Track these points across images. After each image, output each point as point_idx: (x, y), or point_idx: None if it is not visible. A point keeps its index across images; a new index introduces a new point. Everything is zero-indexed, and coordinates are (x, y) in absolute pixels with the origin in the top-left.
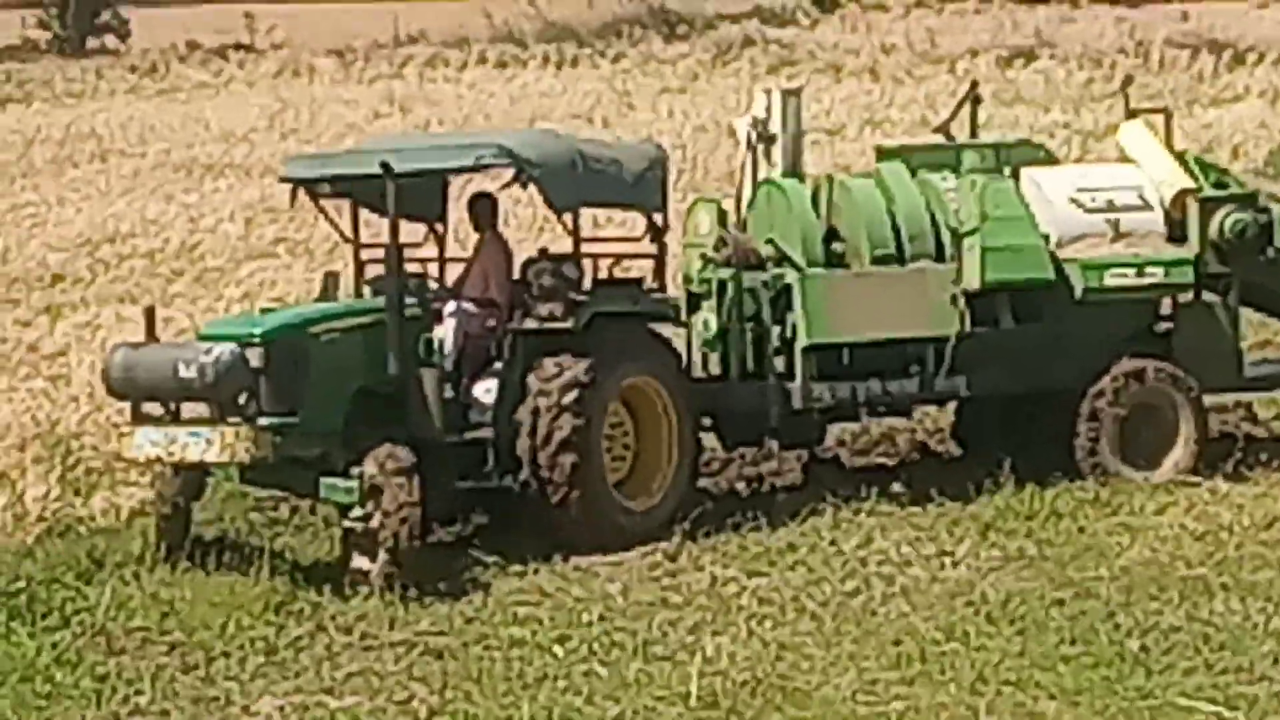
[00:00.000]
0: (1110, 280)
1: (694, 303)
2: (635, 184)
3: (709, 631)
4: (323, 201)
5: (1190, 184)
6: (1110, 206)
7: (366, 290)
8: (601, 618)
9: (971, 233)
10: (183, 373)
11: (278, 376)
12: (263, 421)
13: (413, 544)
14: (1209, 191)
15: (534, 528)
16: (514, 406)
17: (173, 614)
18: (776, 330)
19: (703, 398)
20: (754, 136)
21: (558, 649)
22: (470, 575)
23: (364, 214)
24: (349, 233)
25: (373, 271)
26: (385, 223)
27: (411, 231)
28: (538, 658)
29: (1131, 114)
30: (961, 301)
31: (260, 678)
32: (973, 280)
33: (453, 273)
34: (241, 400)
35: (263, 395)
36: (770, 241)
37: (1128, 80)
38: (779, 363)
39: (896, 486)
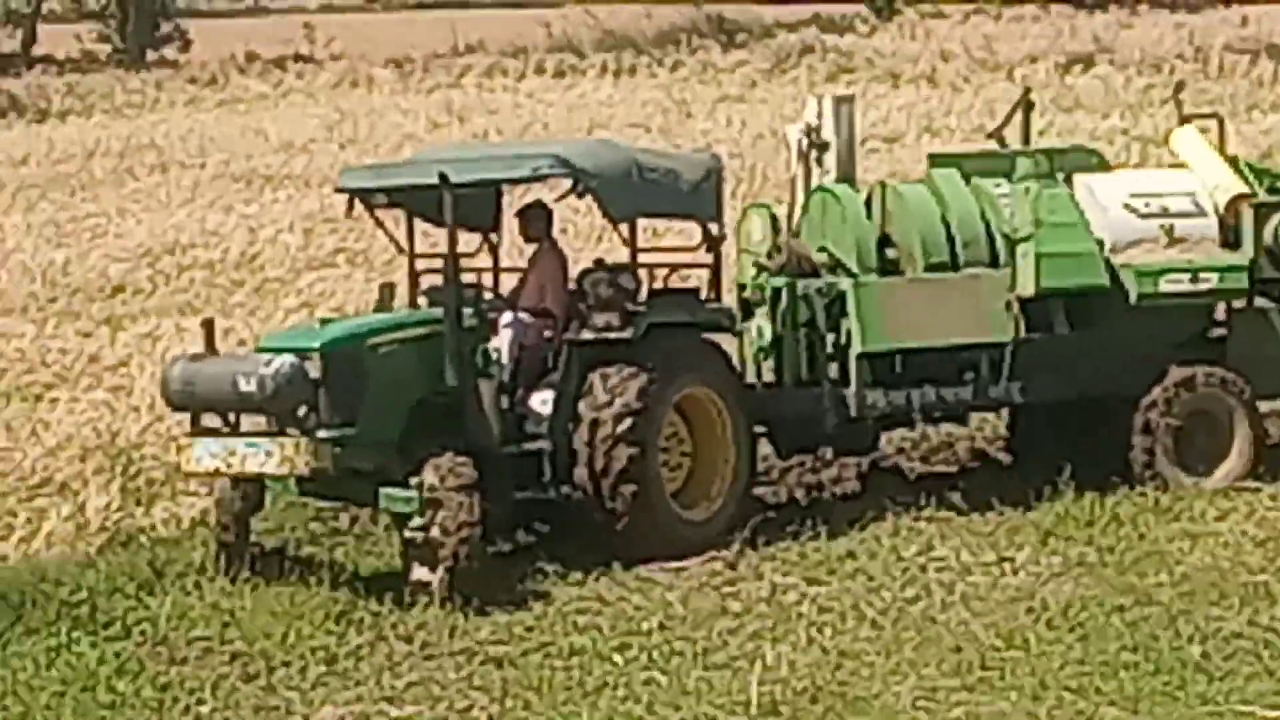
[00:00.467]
0: (1165, 286)
1: (747, 310)
2: (691, 194)
3: (769, 639)
4: (378, 212)
5: (1244, 189)
6: (1164, 212)
7: (422, 300)
8: (661, 626)
9: (1026, 239)
10: (242, 385)
11: (336, 388)
12: (321, 433)
13: (472, 563)
14: (1263, 197)
15: (591, 538)
16: (570, 417)
17: (234, 624)
18: (830, 337)
19: (757, 406)
20: (806, 144)
21: (618, 657)
22: (530, 584)
23: (419, 224)
24: (404, 243)
25: (427, 282)
26: (440, 233)
27: (465, 242)
28: (598, 666)
29: (1184, 120)
30: (1016, 308)
31: (321, 687)
32: (1027, 286)
33: (506, 283)
34: (301, 412)
35: (321, 407)
36: (824, 249)
37: (1180, 86)
38: (833, 370)
39: (956, 494)
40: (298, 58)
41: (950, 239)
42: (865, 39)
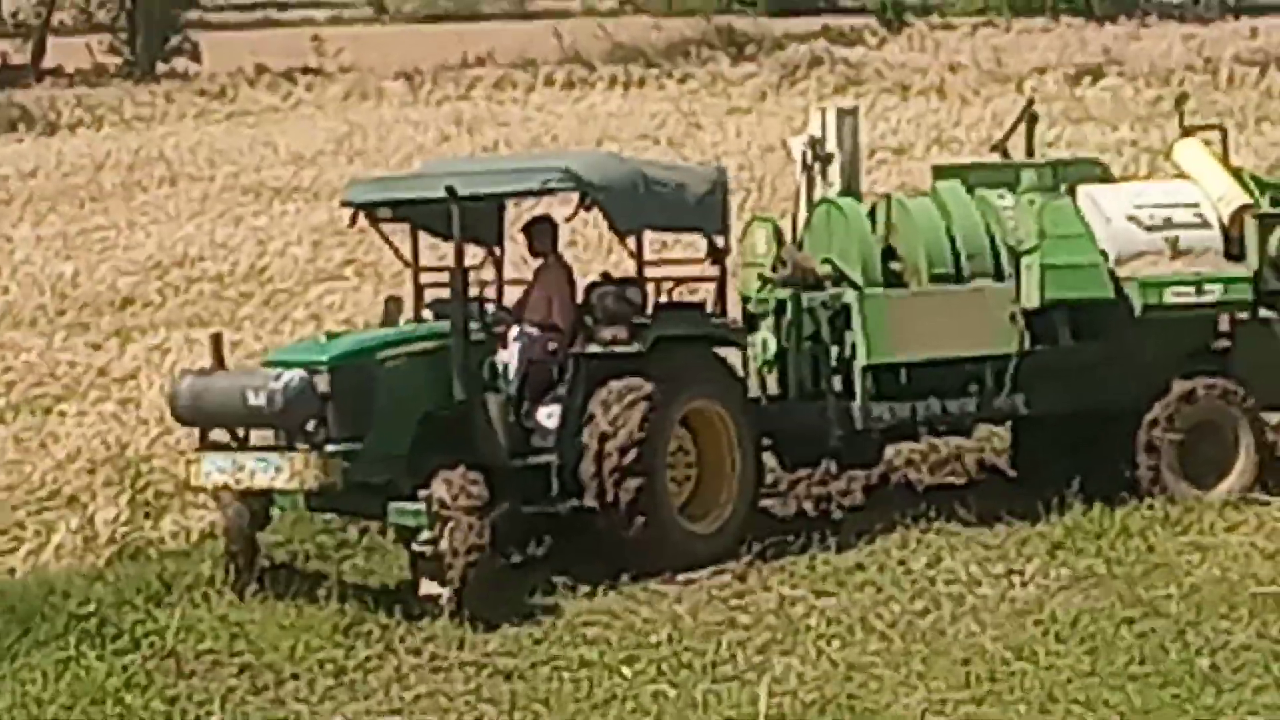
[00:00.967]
0: (1169, 298)
1: (751, 323)
2: (697, 206)
3: (777, 652)
4: (383, 225)
5: (1248, 201)
6: (1168, 224)
7: (427, 314)
8: (670, 638)
9: (1031, 251)
10: (252, 400)
11: (345, 403)
12: (330, 448)
13: (481, 582)
14: (1267, 208)
15: (598, 552)
16: (577, 431)
17: (242, 636)
18: (835, 350)
19: (762, 419)
20: (810, 156)
21: (626, 670)
22: (539, 597)
23: (425, 238)
24: (409, 257)
25: (432, 295)
26: (444, 247)
27: (469, 255)
28: (606, 679)
29: (1187, 131)
30: (1021, 320)
31: (329, 699)
32: (1032, 298)
33: (509, 295)
34: (309, 427)
35: (330, 421)
36: (828, 261)
37: (1182, 97)
38: (837, 383)
39: (965, 506)
40: (307, 70)
41: (955, 251)
42: (874, 51)
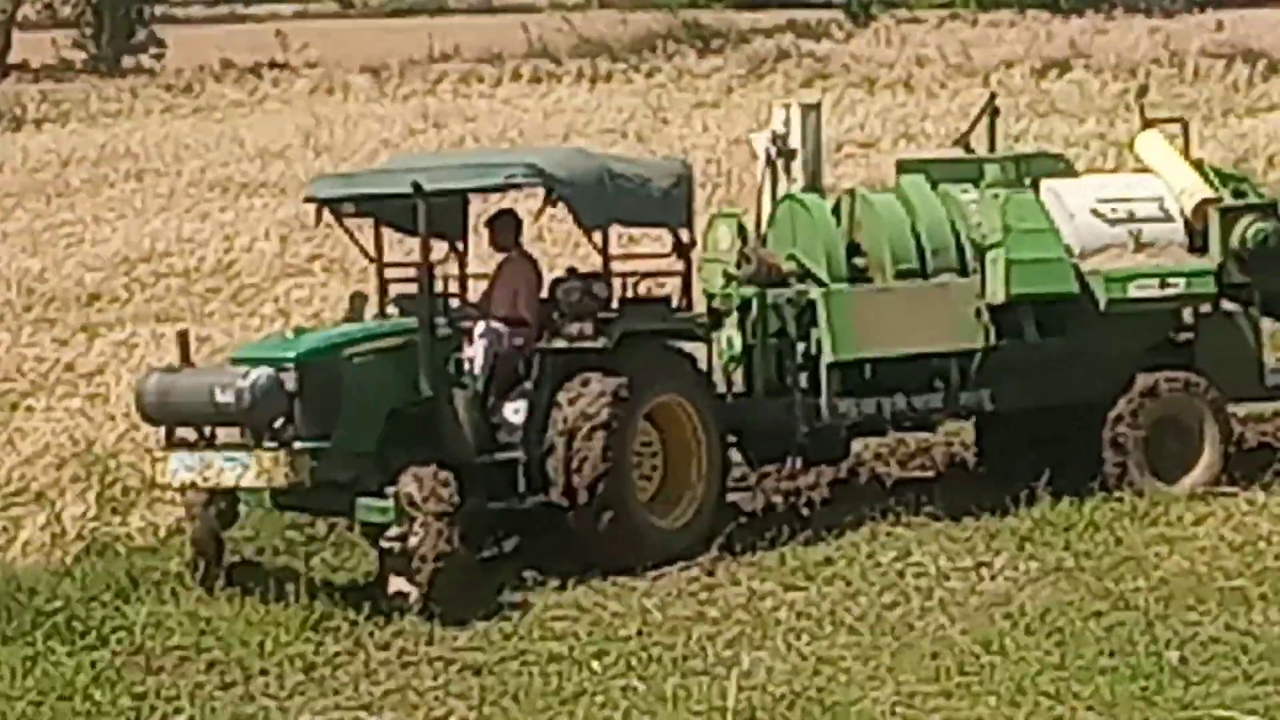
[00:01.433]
0: (1133, 292)
1: (715, 319)
2: (662, 201)
3: (747, 646)
4: (347, 221)
5: (1211, 194)
6: (1131, 217)
7: (391, 309)
8: (639, 633)
9: (995, 246)
10: (219, 397)
11: (312, 400)
12: (298, 445)
13: (449, 588)
14: (1229, 201)
15: (564, 547)
16: (543, 426)
17: (211, 632)
18: (800, 346)
19: (728, 416)
20: (773, 152)
21: (595, 664)
22: (507, 591)
23: (389, 233)
24: (373, 252)
25: (396, 290)
26: (409, 242)
27: (433, 250)
28: (575, 673)
29: (1148, 124)
30: (986, 315)
31: (298, 695)
32: (997, 294)
33: (473, 290)
34: (277, 424)
35: (298, 419)
36: (792, 257)
37: (1142, 90)
38: (803, 379)
39: (933, 500)
40: (273, 65)
41: (919, 247)
42: (841, 44)
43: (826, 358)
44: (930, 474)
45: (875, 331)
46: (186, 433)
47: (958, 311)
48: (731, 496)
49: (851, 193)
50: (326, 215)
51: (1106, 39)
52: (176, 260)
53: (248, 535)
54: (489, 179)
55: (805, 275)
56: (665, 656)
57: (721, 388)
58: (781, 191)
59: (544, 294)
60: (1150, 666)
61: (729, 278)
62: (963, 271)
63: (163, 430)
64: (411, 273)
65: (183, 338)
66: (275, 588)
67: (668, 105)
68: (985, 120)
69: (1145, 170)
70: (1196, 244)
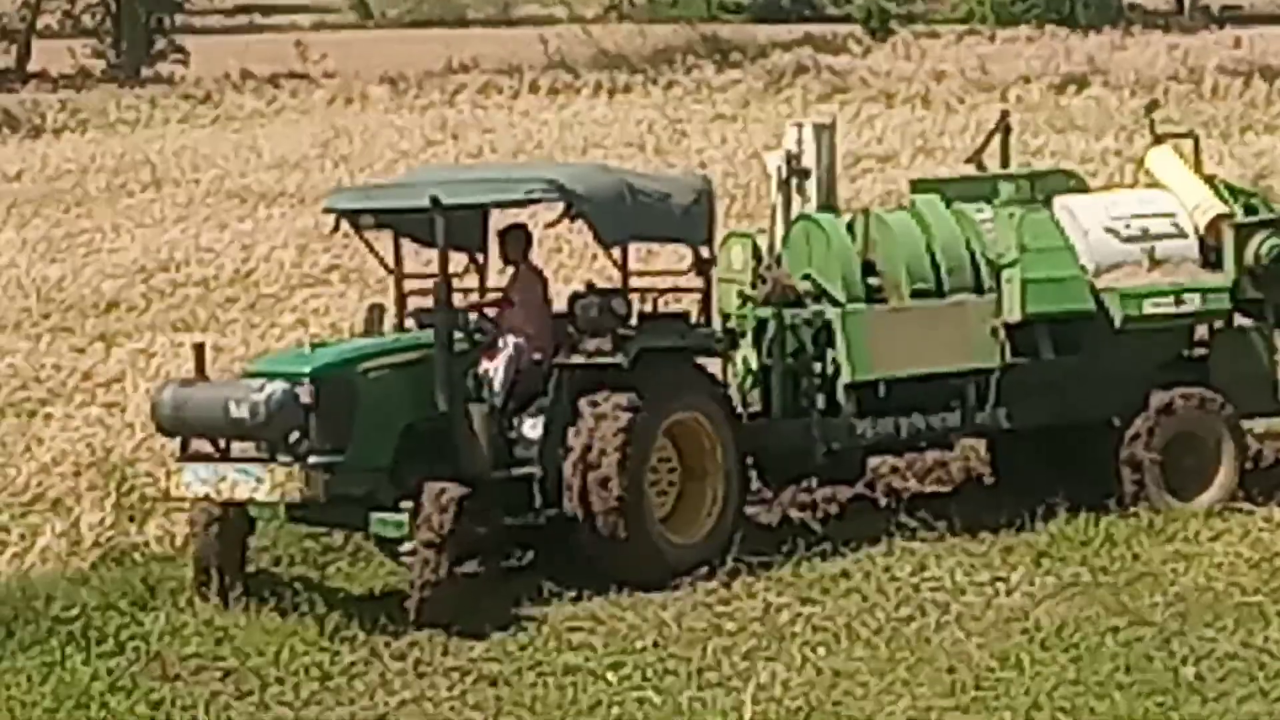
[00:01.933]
0: (1149, 309)
1: (731, 339)
2: (683, 217)
3: (763, 658)
4: (366, 233)
5: (1224, 209)
6: (1145, 234)
7: (410, 322)
8: (655, 644)
9: (1011, 265)
10: (234, 411)
11: (327, 414)
12: (312, 459)
13: (438, 613)
14: (1242, 217)
15: (579, 563)
16: (560, 442)
17: (227, 641)
18: (818, 367)
19: (745, 436)
20: (785, 171)
21: (611, 676)
22: (524, 602)
23: (407, 244)
24: (392, 264)
25: (415, 302)
26: (428, 253)
27: (452, 262)
28: (591, 684)
29: (1158, 139)
30: (1002, 334)
31: (314, 704)
32: (1014, 312)
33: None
34: (292, 439)
35: (313, 433)
36: (807, 277)
37: (1153, 105)
38: (820, 399)
39: (949, 514)
40: (292, 75)
41: (935, 266)
42: (859, 59)
43: (844, 378)
44: (947, 489)
45: (892, 351)
46: (202, 444)
47: (974, 330)
48: (748, 510)
49: (866, 212)
50: (345, 226)
51: (1124, 55)
52: (194, 269)
53: (264, 546)
54: (509, 194)
55: (820, 295)
56: (681, 668)
57: (738, 409)
58: (795, 211)
59: (562, 309)
60: (1166, 682)
61: (744, 298)
62: (978, 290)
63: (178, 442)
64: (430, 285)
65: (199, 350)
66: (292, 597)
67: (686, 118)
68: (998, 137)
69: (1156, 186)
70: (1209, 260)
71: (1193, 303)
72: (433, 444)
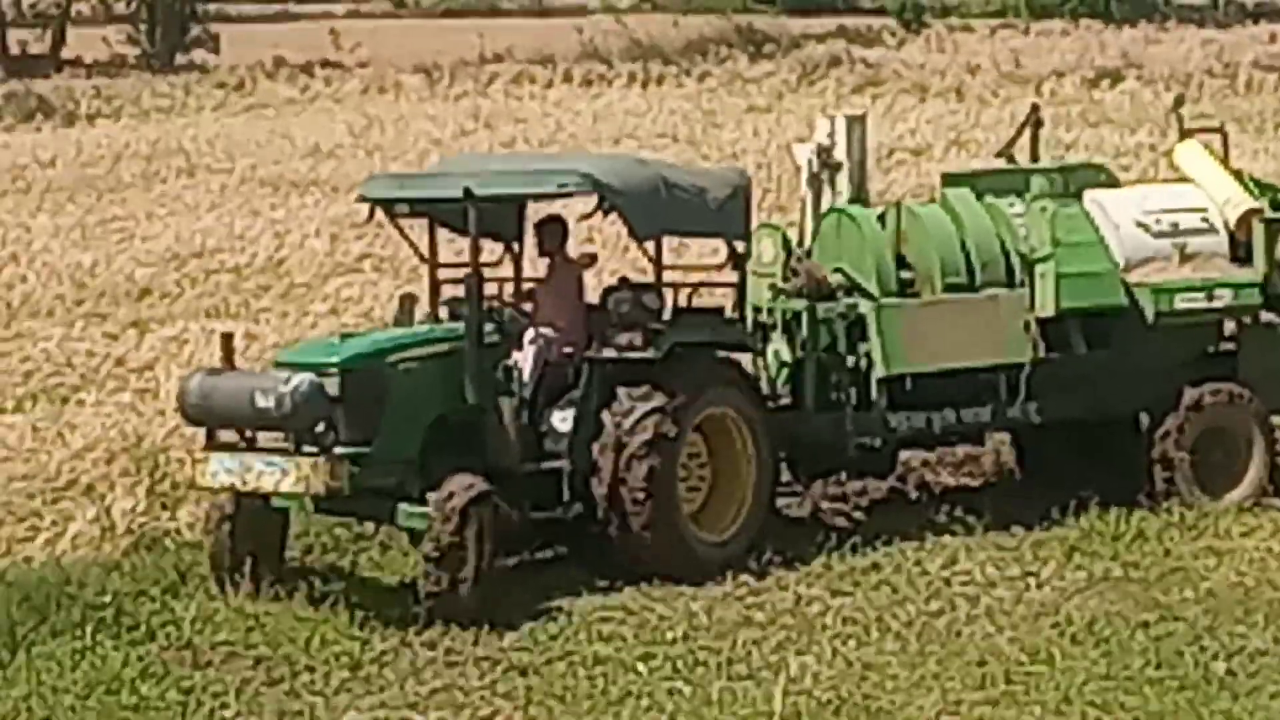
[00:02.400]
0: (1181, 304)
1: (762, 333)
2: (718, 212)
3: (793, 650)
4: (400, 221)
5: (1255, 204)
6: (1175, 229)
7: (442, 311)
8: (685, 636)
9: (1044, 259)
10: (260, 402)
11: (355, 406)
12: (339, 451)
13: (443, 615)
14: (1270, 213)
15: (610, 554)
16: (591, 437)
17: (259, 628)
18: (850, 360)
19: (776, 429)
20: (815, 164)
21: (641, 667)
22: (555, 593)
23: (444, 233)
24: (426, 253)
25: (449, 292)
26: (463, 241)
27: (488, 251)
28: (621, 675)
29: (1185, 134)
30: (1034, 328)
31: (345, 692)
32: (1047, 307)
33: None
34: (318, 430)
35: (340, 425)
36: (839, 270)
37: (1179, 100)
38: (852, 394)
39: (981, 508)
40: (325, 64)
41: (968, 259)
42: (893, 51)
43: (878, 372)
44: (978, 482)
45: (926, 345)
46: (230, 435)
47: (1007, 325)
48: (779, 502)
49: (897, 205)
50: (379, 214)
51: (1159, 49)
52: (227, 257)
53: (296, 533)
54: (542, 186)
55: (852, 288)
56: (711, 660)
57: (770, 403)
58: (826, 204)
59: (595, 302)
60: (1197, 678)
61: (776, 291)
62: (1010, 284)
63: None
64: (463, 274)
65: (227, 340)
66: (323, 585)
67: (719, 109)
68: (1028, 131)
69: (1184, 180)
70: (1238, 255)
71: (1225, 298)
72: (462, 436)
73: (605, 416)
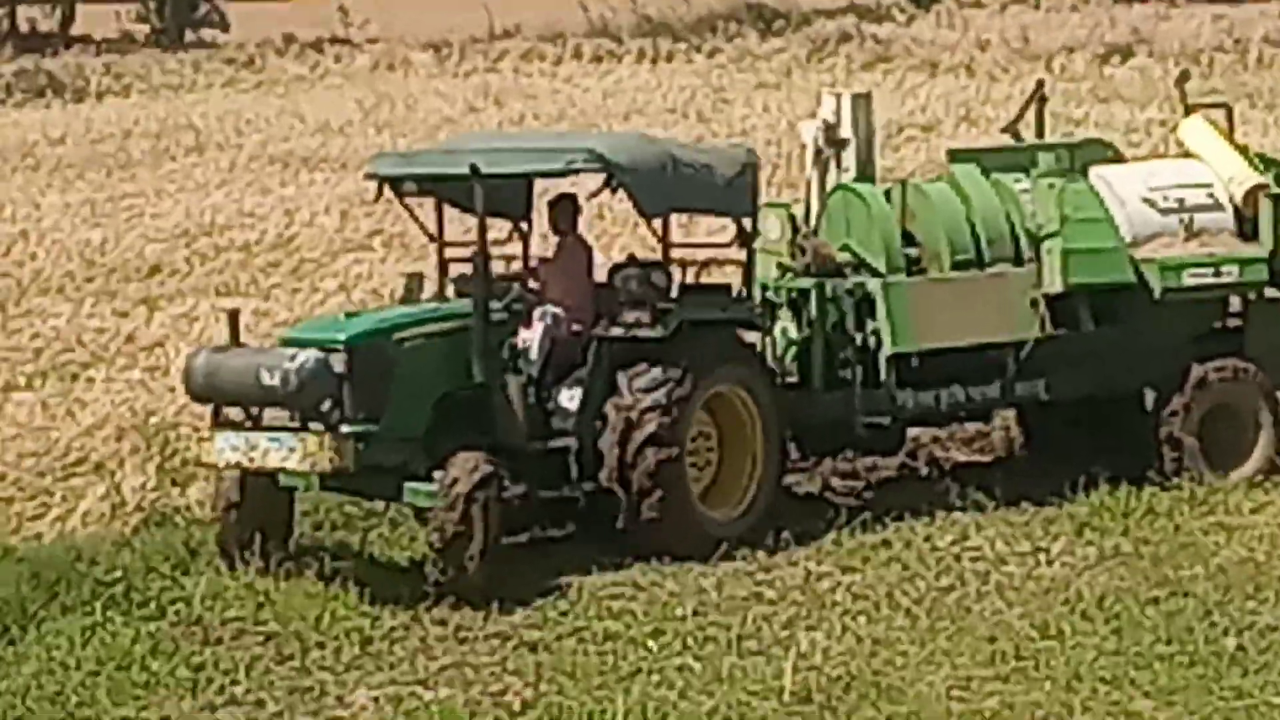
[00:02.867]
0: (1188, 280)
1: (769, 310)
2: (726, 189)
3: (803, 627)
4: (408, 199)
5: (1261, 180)
6: (1182, 205)
7: (450, 290)
8: (695, 612)
9: (1051, 235)
10: (266, 379)
11: (361, 383)
12: (345, 429)
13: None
14: (1277, 189)
15: (615, 536)
16: (598, 415)
17: (268, 605)
18: (858, 338)
19: (784, 407)
20: (821, 141)
21: (651, 643)
22: (565, 569)
23: (451, 211)
24: (434, 231)
25: (456, 270)
26: (470, 219)
27: (496, 228)
28: (631, 651)
29: (1190, 109)
30: (1042, 305)
31: (355, 669)
32: (1055, 283)
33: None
34: (325, 407)
35: (346, 402)
36: (845, 247)
37: (1184, 75)
38: (859, 371)
39: (991, 484)
40: (335, 40)
41: (975, 236)
42: (903, 27)
43: (886, 349)
44: (988, 459)
45: (934, 323)
46: (236, 412)
47: (1015, 302)
48: (788, 479)
49: (903, 183)
50: (387, 192)
51: (1169, 25)
52: (237, 234)
53: (305, 509)
54: (550, 164)
55: (859, 266)
56: (721, 636)
57: (778, 381)
58: (832, 181)
59: (602, 280)
60: (1207, 654)
61: (783, 269)
62: (1018, 261)
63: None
64: (471, 252)
65: (233, 317)
66: (332, 561)
67: (729, 86)
68: (1033, 107)
69: (1190, 156)
70: (1244, 231)
71: (1232, 274)
72: (469, 414)
73: (613, 394)
